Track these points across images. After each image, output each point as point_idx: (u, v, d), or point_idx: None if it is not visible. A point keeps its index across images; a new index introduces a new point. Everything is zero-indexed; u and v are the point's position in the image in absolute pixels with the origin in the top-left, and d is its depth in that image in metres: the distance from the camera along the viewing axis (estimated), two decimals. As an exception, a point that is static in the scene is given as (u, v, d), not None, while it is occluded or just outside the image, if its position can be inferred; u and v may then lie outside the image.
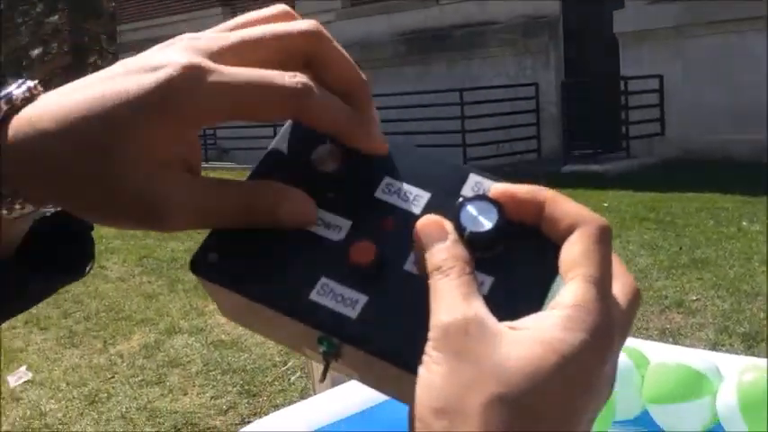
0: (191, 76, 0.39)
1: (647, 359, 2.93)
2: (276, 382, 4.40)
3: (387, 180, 0.44)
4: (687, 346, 4.55)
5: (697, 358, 2.86)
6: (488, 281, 0.40)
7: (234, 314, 0.45)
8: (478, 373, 0.36)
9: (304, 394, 4.08)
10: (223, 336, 5.34)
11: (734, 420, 2.66)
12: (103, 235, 9.71)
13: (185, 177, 0.41)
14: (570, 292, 0.38)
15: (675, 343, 4.64)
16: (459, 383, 0.36)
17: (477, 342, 0.36)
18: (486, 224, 0.40)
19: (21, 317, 6.18)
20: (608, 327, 0.37)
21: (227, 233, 0.42)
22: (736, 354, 4.30)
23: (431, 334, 0.37)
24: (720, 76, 11.96)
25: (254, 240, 0.42)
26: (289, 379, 4.42)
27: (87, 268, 0.53)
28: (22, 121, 0.40)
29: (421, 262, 0.40)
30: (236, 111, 0.40)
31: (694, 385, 2.73)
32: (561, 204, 0.41)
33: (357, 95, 0.43)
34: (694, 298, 5.57)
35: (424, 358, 0.37)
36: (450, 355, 0.36)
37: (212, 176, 0.43)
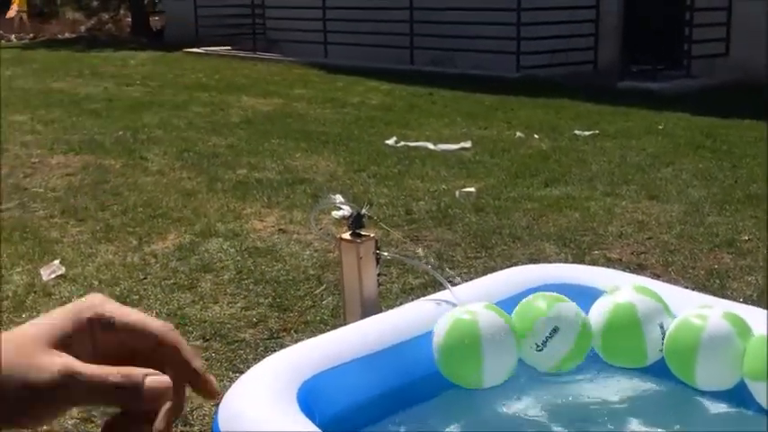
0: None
1: (749, 328, 2.55)
2: (308, 297, 4.32)
3: None
4: (735, 289, 4.38)
5: None
6: None
7: None
8: None
9: (335, 313, 4.01)
10: (258, 242, 5.26)
11: None
12: (146, 124, 9.62)
13: None
14: None
15: (722, 286, 4.47)
16: None
17: None
18: None
19: (59, 206, 6.16)
20: None
21: None
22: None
23: None
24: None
25: None
26: (321, 295, 4.35)
27: None
28: None
29: None
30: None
31: None
32: None
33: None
34: (746, 238, 5.35)
35: None
36: None
37: None
